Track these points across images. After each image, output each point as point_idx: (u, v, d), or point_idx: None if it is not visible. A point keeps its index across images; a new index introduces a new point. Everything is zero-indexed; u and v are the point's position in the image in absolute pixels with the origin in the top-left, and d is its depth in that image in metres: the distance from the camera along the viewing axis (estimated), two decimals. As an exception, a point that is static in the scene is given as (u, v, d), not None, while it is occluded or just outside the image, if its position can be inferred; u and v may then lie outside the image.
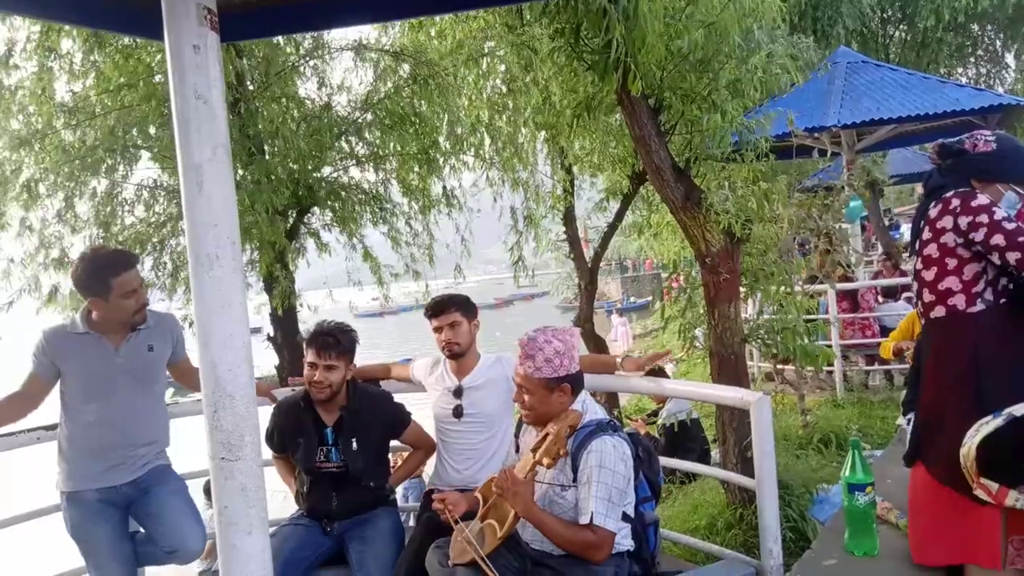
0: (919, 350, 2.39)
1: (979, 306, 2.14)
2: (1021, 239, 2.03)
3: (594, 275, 8.09)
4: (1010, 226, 2.06)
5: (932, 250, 2.20)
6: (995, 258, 2.07)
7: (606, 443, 2.19)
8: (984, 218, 2.08)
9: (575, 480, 2.21)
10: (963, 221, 2.11)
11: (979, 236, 2.08)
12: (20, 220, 6.20)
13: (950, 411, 2.16)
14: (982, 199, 2.13)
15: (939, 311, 2.20)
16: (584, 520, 2.14)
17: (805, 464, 4.81)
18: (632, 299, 32.85)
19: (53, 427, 2.86)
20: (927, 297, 2.24)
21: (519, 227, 7.95)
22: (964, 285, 2.15)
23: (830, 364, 6.42)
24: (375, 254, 7.10)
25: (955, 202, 2.15)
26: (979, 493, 1.94)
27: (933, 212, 2.21)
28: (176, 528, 2.71)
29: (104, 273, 2.59)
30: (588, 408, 2.34)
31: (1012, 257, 2.03)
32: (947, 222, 2.16)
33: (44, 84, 5.81)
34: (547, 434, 2.26)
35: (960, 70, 15.80)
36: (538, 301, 42.08)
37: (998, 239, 2.05)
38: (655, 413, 6.93)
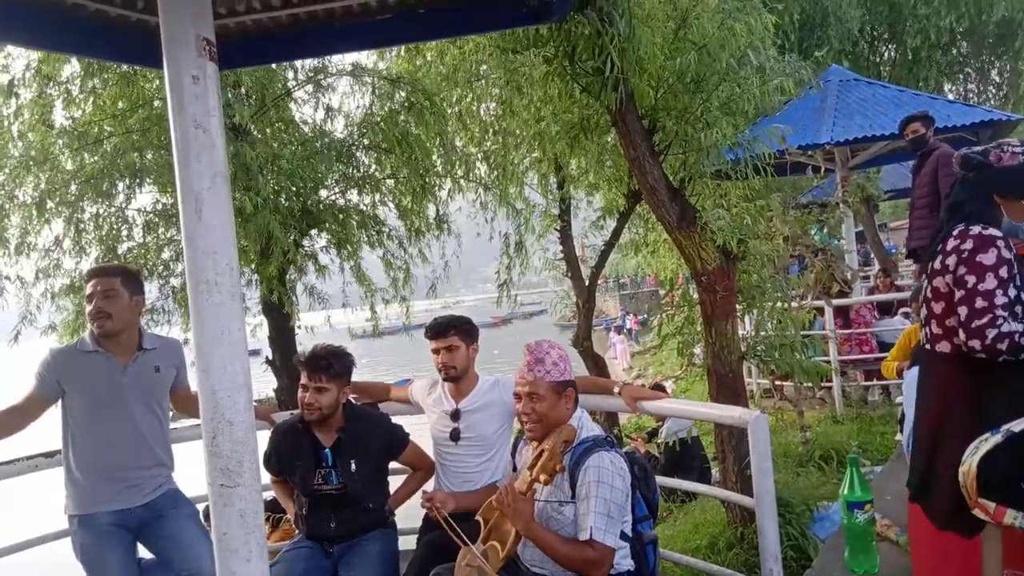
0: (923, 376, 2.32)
1: None
2: (976, 324, 1.94)
3: (592, 293, 8.11)
4: (981, 304, 1.94)
5: (940, 283, 2.09)
6: (952, 321, 2.04)
7: (604, 458, 2.19)
8: (972, 279, 1.97)
9: (573, 496, 2.22)
10: (961, 271, 2.01)
11: (956, 297, 2.02)
12: (16, 247, 6.19)
13: (946, 446, 2.09)
14: (989, 257, 1.97)
15: (944, 346, 2.12)
16: (584, 536, 2.14)
17: (806, 481, 4.79)
18: (629, 317, 32.79)
19: (52, 454, 2.86)
20: (935, 329, 2.15)
21: (510, 251, 7.99)
22: None
23: (829, 380, 6.43)
24: (369, 277, 7.12)
25: (967, 245, 2.01)
26: (977, 512, 1.92)
27: (950, 243, 2.06)
28: (193, 551, 2.72)
29: (87, 273, 2.98)
30: (584, 425, 2.36)
31: (962, 334, 1.98)
32: (951, 262, 2.04)
33: (44, 110, 5.84)
34: (542, 451, 2.27)
35: (949, 87, 15.95)
36: (536, 319, 42.00)
37: (962, 310, 1.98)
38: (655, 431, 6.93)
